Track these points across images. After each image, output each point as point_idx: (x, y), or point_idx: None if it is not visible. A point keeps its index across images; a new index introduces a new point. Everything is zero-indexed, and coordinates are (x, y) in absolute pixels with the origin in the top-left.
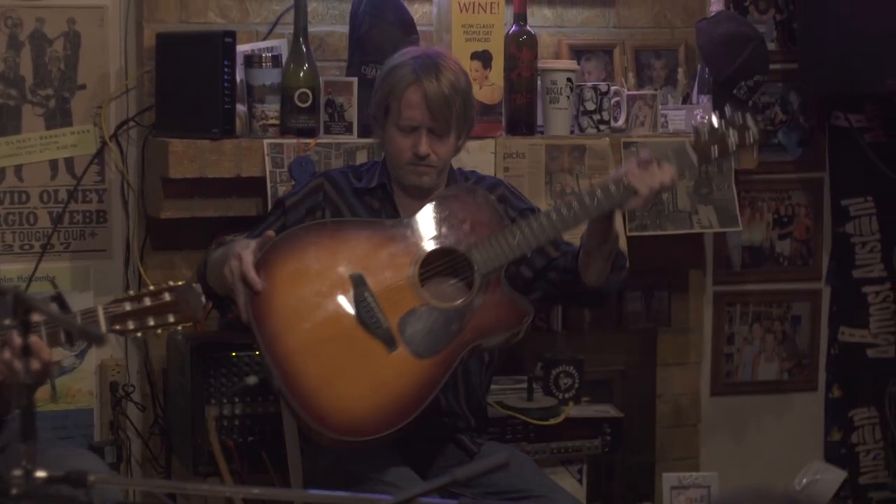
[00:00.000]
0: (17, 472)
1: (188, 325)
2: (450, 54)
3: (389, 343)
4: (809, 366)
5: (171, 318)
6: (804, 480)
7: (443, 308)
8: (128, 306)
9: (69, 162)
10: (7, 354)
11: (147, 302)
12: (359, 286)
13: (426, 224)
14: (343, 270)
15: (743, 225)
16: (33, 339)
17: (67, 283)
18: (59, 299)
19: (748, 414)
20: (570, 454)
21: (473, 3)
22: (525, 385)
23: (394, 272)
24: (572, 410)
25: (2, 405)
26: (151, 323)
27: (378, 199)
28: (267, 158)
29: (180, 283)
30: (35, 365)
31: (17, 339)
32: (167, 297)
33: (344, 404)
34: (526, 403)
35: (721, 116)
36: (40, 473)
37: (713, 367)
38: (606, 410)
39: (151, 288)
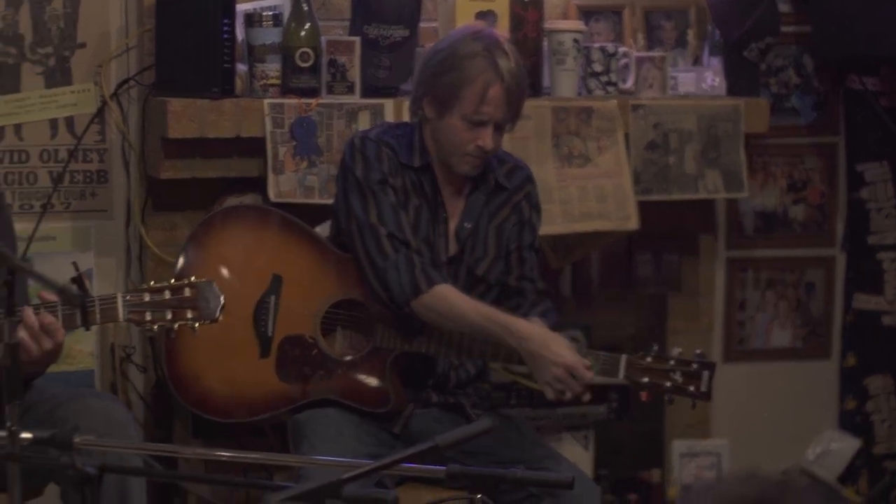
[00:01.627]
0: (2, 433)
1: (205, 323)
2: (494, 30)
3: (264, 349)
4: (824, 333)
5: (189, 315)
6: (818, 450)
7: (324, 351)
8: (147, 297)
9: (69, 121)
10: (22, 332)
11: (166, 295)
12: (271, 287)
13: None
14: (269, 266)
15: (755, 190)
16: (48, 318)
17: (68, 243)
18: (78, 280)
19: (761, 382)
20: (576, 420)
21: None
22: None
23: (309, 293)
24: None
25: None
26: (169, 317)
27: (424, 180)
28: (267, 119)
29: (202, 280)
30: (48, 344)
31: (32, 318)
32: (187, 292)
33: (210, 383)
34: None
35: (679, 358)
36: (25, 435)
37: (725, 333)
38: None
39: (172, 282)
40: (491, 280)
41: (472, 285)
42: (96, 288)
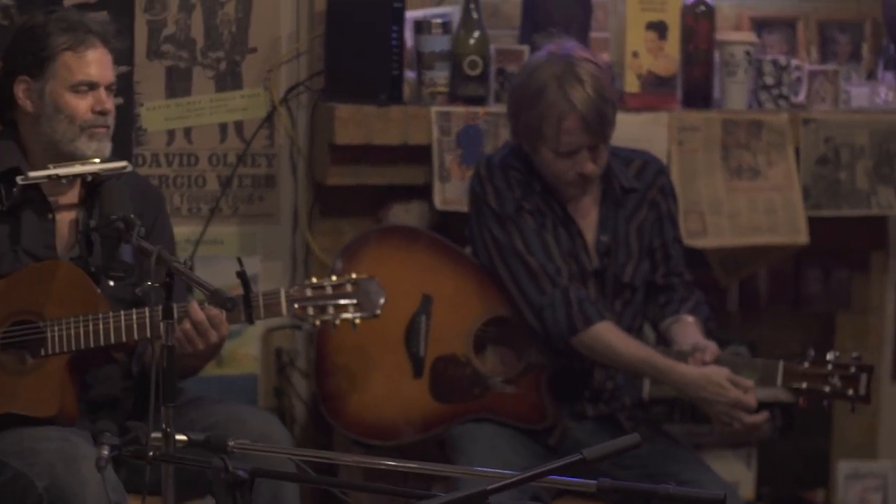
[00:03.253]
0: (157, 435)
1: (367, 318)
2: (575, 46)
3: (417, 370)
4: None
5: (351, 311)
6: None
7: (477, 369)
8: (309, 292)
9: (238, 125)
10: (187, 325)
11: (329, 290)
12: (422, 307)
13: None
14: (419, 286)
15: None
16: (214, 311)
17: (235, 247)
18: (242, 275)
19: None
20: (739, 437)
21: None
22: None
23: (460, 312)
24: None
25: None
26: (331, 312)
27: (550, 198)
28: (434, 126)
29: (364, 276)
30: (213, 338)
31: (199, 313)
32: (349, 287)
33: (364, 406)
34: None
35: (836, 362)
36: (180, 437)
37: (895, 351)
38: (777, 394)
39: (334, 278)
40: (637, 283)
41: (619, 291)
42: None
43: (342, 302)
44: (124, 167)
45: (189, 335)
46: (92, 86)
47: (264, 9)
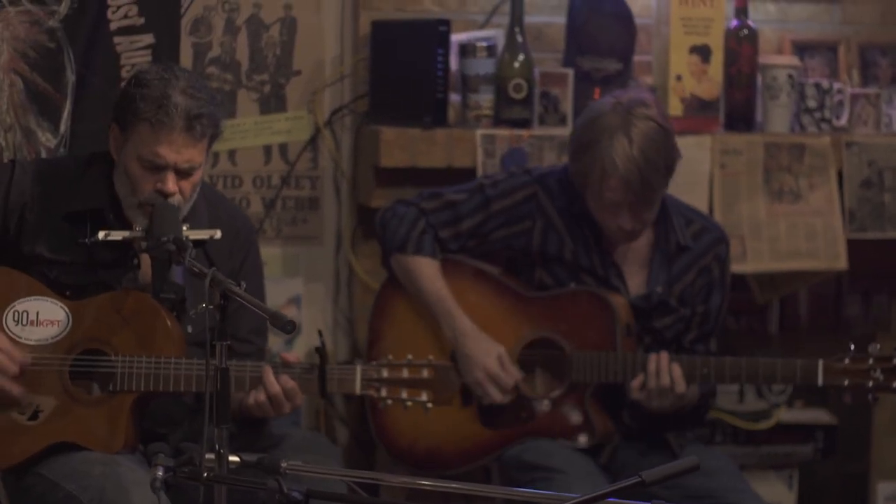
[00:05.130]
0: (210, 456)
1: (441, 405)
2: (644, 100)
3: (466, 397)
4: None
5: (425, 396)
6: None
7: (523, 392)
8: (385, 373)
9: (283, 148)
10: (262, 397)
11: (405, 374)
12: None
13: (550, 309)
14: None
15: None
16: (290, 383)
17: (278, 268)
18: (322, 350)
19: None
20: (781, 459)
21: None
22: (737, 387)
23: (501, 337)
24: (784, 414)
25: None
26: (404, 395)
27: (585, 223)
28: (479, 149)
29: (443, 362)
30: (286, 409)
31: (275, 386)
32: (425, 373)
33: (415, 436)
34: (736, 405)
35: (878, 355)
36: (233, 458)
37: None
38: (820, 415)
39: (411, 358)
40: (668, 336)
41: (645, 333)
42: (304, 314)
43: (416, 387)
44: (213, 234)
45: (263, 407)
46: (158, 167)
47: (309, 32)
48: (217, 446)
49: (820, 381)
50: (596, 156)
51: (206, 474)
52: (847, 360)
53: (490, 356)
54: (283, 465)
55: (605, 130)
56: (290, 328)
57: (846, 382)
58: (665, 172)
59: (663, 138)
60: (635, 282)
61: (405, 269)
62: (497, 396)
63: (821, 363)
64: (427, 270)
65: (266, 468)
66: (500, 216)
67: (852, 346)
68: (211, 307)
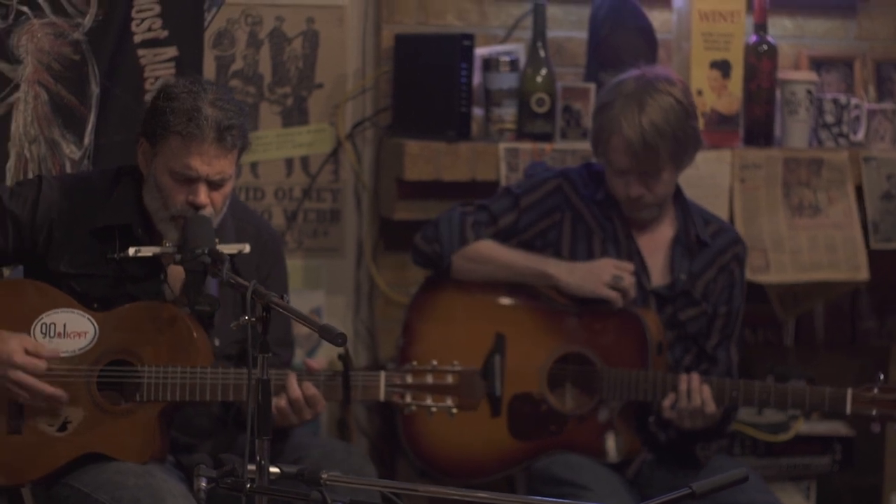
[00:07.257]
0: (252, 467)
1: (466, 411)
2: (669, 77)
3: (495, 409)
4: None
5: (449, 402)
6: None
7: (553, 406)
8: (409, 379)
9: (304, 160)
10: (283, 402)
11: (429, 379)
12: (496, 347)
13: (582, 324)
14: (492, 325)
15: None
16: (312, 391)
17: (300, 280)
18: (346, 357)
19: None
20: (799, 471)
21: (714, 11)
22: None
23: (533, 350)
24: (802, 426)
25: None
26: (429, 401)
27: (611, 211)
28: (502, 163)
29: (468, 368)
30: (308, 416)
31: (296, 391)
32: (450, 379)
33: (443, 446)
34: (756, 417)
35: None
36: (273, 469)
37: None
38: (838, 427)
39: (436, 363)
40: (691, 331)
41: (671, 326)
42: None
43: (442, 392)
44: (243, 249)
45: (284, 413)
46: (190, 179)
47: (331, 45)
48: (258, 457)
49: (848, 411)
50: (609, 116)
51: (248, 485)
52: (876, 390)
53: (604, 263)
54: (324, 475)
55: (622, 95)
56: (340, 341)
57: (874, 412)
58: (674, 141)
59: (677, 112)
60: (658, 271)
61: (473, 258)
62: (629, 279)
63: (849, 392)
64: (494, 247)
65: (307, 479)
66: (530, 212)
67: (881, 376)
68: (253, 319)
